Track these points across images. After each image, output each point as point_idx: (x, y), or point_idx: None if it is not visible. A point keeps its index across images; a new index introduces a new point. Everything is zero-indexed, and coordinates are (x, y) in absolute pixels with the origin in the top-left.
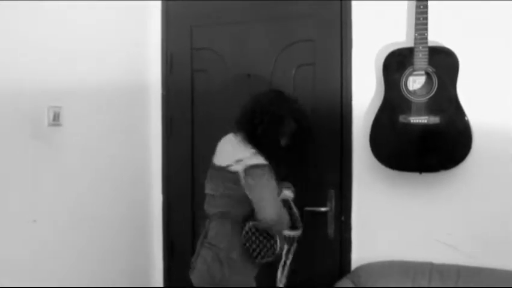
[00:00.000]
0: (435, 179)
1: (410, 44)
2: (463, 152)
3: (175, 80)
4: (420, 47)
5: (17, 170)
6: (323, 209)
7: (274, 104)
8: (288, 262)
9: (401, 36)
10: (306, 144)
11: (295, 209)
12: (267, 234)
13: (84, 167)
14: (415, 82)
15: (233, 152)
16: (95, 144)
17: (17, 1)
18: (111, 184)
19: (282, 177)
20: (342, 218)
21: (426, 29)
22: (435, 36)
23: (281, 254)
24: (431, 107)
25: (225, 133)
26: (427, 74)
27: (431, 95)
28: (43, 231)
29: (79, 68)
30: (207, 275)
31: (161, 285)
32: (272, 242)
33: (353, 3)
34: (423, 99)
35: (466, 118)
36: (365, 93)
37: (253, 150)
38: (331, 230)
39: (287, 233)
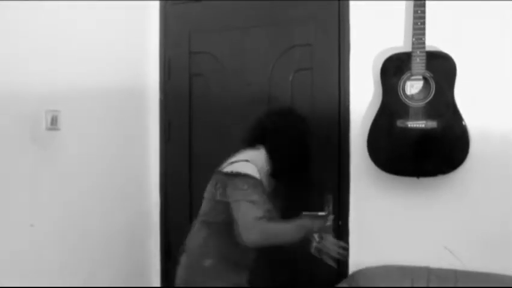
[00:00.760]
0: (433, 183)
1: (408, 48)
2: (461, 156)
3: (173, 85)
4: (418, 52)
5: (14, 174)
6: (320, 213)
7: (283, 123)
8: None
9: (398, 41)
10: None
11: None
12: None
13: (82, 171)
14: (413, 87)
15: (234, 157)
16: (93, 149)
17: (17, 4)
18: (109, 188)
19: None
20: (340, 223)
21: (423, 34)
22: (433, 41)
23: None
24: (429, 112)
25: (224, 137)
26: (425, 78)
27: (428, 99)
28: (41, 235)
29: (77, 72)
30: (182, 282)
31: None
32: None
33: (351, 7)
34: (421, 104)
35: (463, 123)
36: (363, 98)
37: (249, 158)
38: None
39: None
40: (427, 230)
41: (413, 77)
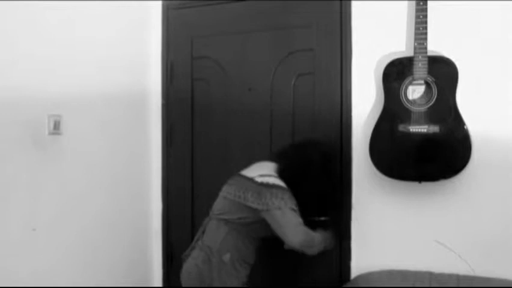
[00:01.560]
0: (435, 188)
1: (410, 53)
2: (463, 161)
3: (175, 89)
4: (420, 57)
5: (17, 178)
6: (322, 218)
7: (321, 166)
8: None
9: (400, 46)
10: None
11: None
12: None
13: (84, 176)
14: (415, 91)
15: (261, 170)
16: (95, 153)
17: (18, 9)
18: (111, 192)
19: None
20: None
21: (425, 39)
22: (435, 46)
23: None
24: (431, 116)
25: (225, 142)
26: (427, 83)
27: (430, 104)
28: (43, 239)
29: (79, 77)
30: (196, 277)
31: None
32: None
33: (353, 12)
34: (423, 109)
35: (465, 127)
36: (365, 102)
37: (279, 178)
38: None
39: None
40: (429, 235)
41: (415, 82)
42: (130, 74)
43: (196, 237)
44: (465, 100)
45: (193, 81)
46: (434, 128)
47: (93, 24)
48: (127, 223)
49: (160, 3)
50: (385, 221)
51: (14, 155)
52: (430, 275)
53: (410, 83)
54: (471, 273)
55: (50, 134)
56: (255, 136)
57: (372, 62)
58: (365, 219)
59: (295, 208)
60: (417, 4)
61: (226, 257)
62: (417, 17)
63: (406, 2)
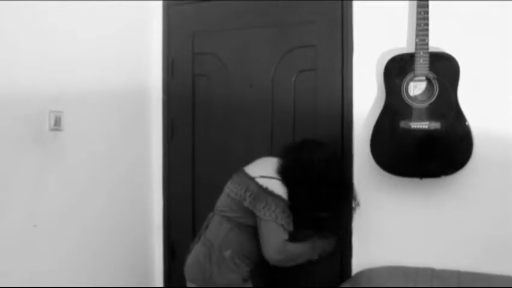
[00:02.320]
0: (436, 184)
1: (411, 49)
2: (464, 157)
3: (176, 85)
4: (421, 53)
5: (18, 174)
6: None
7: (326, 169)
8: None
9: (402, 42)
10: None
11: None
12: None
13: (85, 172)
14: (416, 88)
15: (264, 168)
16: (96, 149)
17: (17, 6)
18: (112, 188)
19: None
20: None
21: (427, 35)
22: (436, 42)
23: None
24: (432, 113)
25: (226, 138)
26: (428, 79)
27: (432, 100)
28: (44, 235)
29: (80, 73)
30: (198, 271)
31: (162, 287)
32: None
33: (354, 8)
34: (424, 105)
35: (466, 123)
36: (366, 99)
37: (280, 181)
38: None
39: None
40: (430, 231)
41: (416, 78)
42: (131, 70)
43: (199, 232)
44: (466, 96)
45: (194, 77)
46: (435, 125)
47: (94, 20)
48: (128, 219)
49: None
50: (386, 217)
51: (15, 150)
52: (431, 271)
53: (412, 79)
54: (472, 269)
55: (51, 130)
56: (256, 132)
57: (373, 58)
58: (366, 215)
59: (284, 222)
60: (419, 0)
61: (227, 253)
62: (418, 13)
63: None
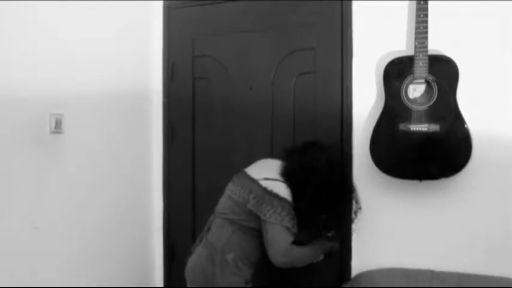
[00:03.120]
0: (436, 186)
1: (410, 52)
2: (463, 159)
3: (176, 88)
4: (421, 56)
5: (18, 176)
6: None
7: (329, 171)
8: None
9: (401, 45)
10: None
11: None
12: None
13: (85, 174)
14: (415, 90)
15: (266, 170)
16: (96, 152)
17: (18, 8)
18: (112, 191)
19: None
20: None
21: (426, 38)
22: (435, 45)
23: None
24: (431, 115)
25: (226, 140)
26: (427, 82)
27: (431, 103)
28: (44, 237)
29: (81, 76)
30: (200, 274)
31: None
32: None
33: (354, 11)
34: (424, 107)
35: (466, 126)
36: (366, 101)
37: (284, 183)
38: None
39: None
40: (430, 233)
41: (415, 81)
42: (132, 73)
43: (201, 234)
44: (466, 99)
45: (195, 80)
46: (434, 127)
47: (95, 23)
48: (128, 221)
49: (161, 2)
50: (386, 219)
51: (16, 153)
52: (431, 273)
53: (411, 82)
54: (472, 271)
55: (52, 132)
56: (256, 135)
57: (372, 61)
58: (365, 217)
59: (290, 225)
60: (418, 3)
61: (230, 256)
62: (417, 15)
63: (407, 1)
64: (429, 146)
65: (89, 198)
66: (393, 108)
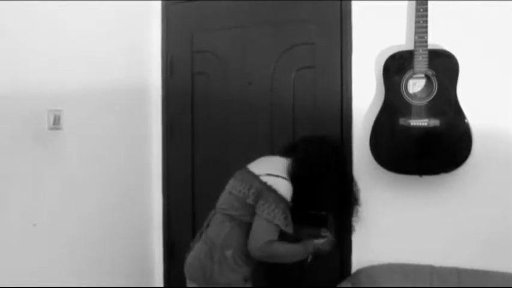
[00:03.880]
0: (436, 181)
1: (410, 47)
2: (463, 154)
3: (175, 84)
4: (420, 50)
5: (17, 173)
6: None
7: (335, 168)
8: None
9: (401, 39)
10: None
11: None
12: None
13: (84, 170)
14: (415, 85)
15: (269, 166)
16: (95, 148)
17: (17, 5)
18: (111, 187)
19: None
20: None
21: (426, 32)
22: (435, 39)
23: None
24: (431, 110)
25: (226, 135)
26: (427, 77)
27: (431, 97)
28: (42, 234)
29: (79, 72)
30: (199, 270)
31: (162, 287)
32: None
33: (353, 6)
34: (424, 102)
35: (466, 121)
36: (365, 96)
37: (286, 180)
38: (331, 233)
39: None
40: (430, 228)
41: (415, 75)
42: (130, 69)
43: (200, 230)
44: (466, 93)
45: (193, 75)
46: (434, 122)
47: (93, 18)
48: (127, 218)
49: None
50: (386, 215)
51: (14, 149)
52: (431, 268)
53: (411, 77)
54: (472, 266)
55: (50, 128)
56: (255, 130)
57: (372, 55)
58: (365, 213)
59: (280, 223)
60: None
61: (229, 253)
62: (417, 10)
63: None
64: (429, 141)
65: (88, 195)
66: (393, 103)
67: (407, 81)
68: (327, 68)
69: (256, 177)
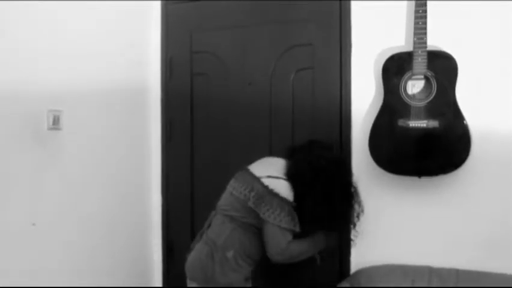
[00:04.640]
0: (435, 183)
1: (409, 48)
2: (462, 156)
3: (174, 84)
4: (419, 51)
5: (16, 173)
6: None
7: (336, 173)
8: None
9: (400, 41)
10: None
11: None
12: None
13: (83, 171)
14: (414, 86)
15: (270, 168)
16: (94, 148)
17: (17, 5)
18: (111, 187)
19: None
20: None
21: (425, 33)
22: (434, 41)
23: None
24: (430, 111)
25: (225, 136)
26: (426, 78)
27: (430, 99)
28: (42, 234)
29: (78, 72)
30: (199, 270)
31: (161, 287)
32: None
33: (352, 7)
34: (422, 104)
35: (465, 122)
36: (364, 97)
37: (286, 181)
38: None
39: None
40: (429, 229)
41: (414, 77)
42: (130, 69)
43: (201, 230)
44: (465, 95)
45: (193, 76)
46: (433, 123)
47: (93, 18)
48: (127, 218)
49: None
50: (385, 216)
51: (14, 149)
52: (430, 269)
53: (410, 78)
54: (471, 267)
55: (50, 129)
56: (255, 130)
57: (371, 56)
58: (364, 214)
59: (288, 225)
60: None
61: (230, 253)
62: (416, 11)
63: None
64: (428, 142)
65: (87, 195)
66: (392, 104)
67: (406, 83)
68: (326, 69)
69: (257, 179)
